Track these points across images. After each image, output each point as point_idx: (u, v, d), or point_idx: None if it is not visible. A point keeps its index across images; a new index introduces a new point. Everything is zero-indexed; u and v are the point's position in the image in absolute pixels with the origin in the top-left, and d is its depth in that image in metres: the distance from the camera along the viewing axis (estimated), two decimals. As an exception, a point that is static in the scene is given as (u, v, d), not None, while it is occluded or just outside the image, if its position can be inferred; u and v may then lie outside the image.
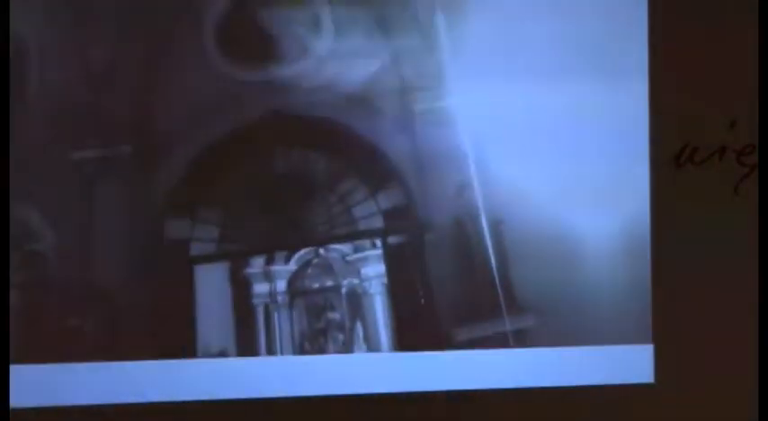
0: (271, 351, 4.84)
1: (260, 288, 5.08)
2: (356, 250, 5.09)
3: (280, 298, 5.06)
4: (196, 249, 4.47)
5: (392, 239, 4.40)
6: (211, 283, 4.72)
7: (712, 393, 3.78)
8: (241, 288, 5.11)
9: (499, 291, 3.88)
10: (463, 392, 4.04)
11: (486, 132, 3.91)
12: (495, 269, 3.90)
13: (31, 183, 4.18)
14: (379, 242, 4.54)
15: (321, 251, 5.15)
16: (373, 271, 4.99)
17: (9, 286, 3.60)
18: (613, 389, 3.88)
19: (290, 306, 5.09)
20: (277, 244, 4.62)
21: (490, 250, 3.88)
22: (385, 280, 4.59)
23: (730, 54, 3.74)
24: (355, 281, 5.08)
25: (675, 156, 3.73)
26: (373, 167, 4.36)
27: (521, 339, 3.89)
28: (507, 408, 3.90)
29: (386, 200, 4.38)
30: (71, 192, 4.23)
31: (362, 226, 4.46)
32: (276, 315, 4.99)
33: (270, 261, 5.19)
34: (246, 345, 4.85)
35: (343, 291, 5.09)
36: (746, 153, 3.69)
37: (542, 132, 3.93)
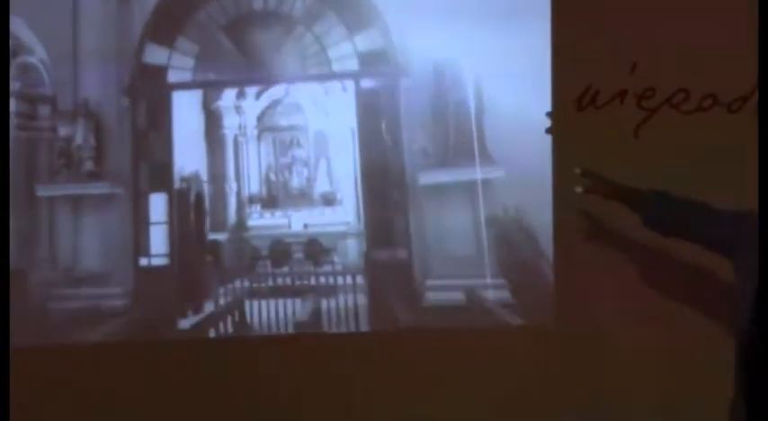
0: (238, 178, 5.01)
1: (230, 120, 5.21)
2: (327, 92, 5.19)
3: (249, 131, 5.20)
4: (173, 76, 4.58)
5: (366, 83, 4.50)
6: (186, 110, 4.83)
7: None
8: (213, 118, 5.23)
9: (474, 139, 4.01)
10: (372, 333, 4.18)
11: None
12: (473, 118, 4.01)
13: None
14: (352, 84, 4.65)
15: (292, 90, 5.25)
16: (343, 113, 5.11)
17: (9, 286, 3.71)
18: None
19: (258, 139, 5.23)
20: (249, 79, 4.72)
21: (471, 99, 4.00)
22: (354, 122, 4.71)
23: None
24: (323, 121, 5.20)
25: (578, 98, 3.66)
26: (353, 7, 4.35)
27: (488, 190, 4.06)
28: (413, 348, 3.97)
29: (364, 42, 4.41)
30: (58, 7, 4.29)
31: (336, 67, 4.55)
32: (245, 147, 5.14)
33: (241, 96, 5.29)
34: (216, 172, 5.00)
35: (311, 130, 5.22)
36: (647, 97, 3.65)
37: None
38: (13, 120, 4.22)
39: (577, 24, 3.70)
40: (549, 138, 3.58)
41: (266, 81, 4.93)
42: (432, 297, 4.17)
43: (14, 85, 4.24)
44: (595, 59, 3.67)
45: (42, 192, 4.28)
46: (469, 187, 4.07)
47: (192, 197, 4.53)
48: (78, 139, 4.20)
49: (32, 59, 4.30)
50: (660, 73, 3.65)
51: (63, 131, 4.21)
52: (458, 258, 4.02)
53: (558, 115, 3.55)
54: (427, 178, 4.16)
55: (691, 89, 3.64)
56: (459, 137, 4.04)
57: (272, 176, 5.10)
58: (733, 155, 3.43)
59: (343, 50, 4.50)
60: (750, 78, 3.33)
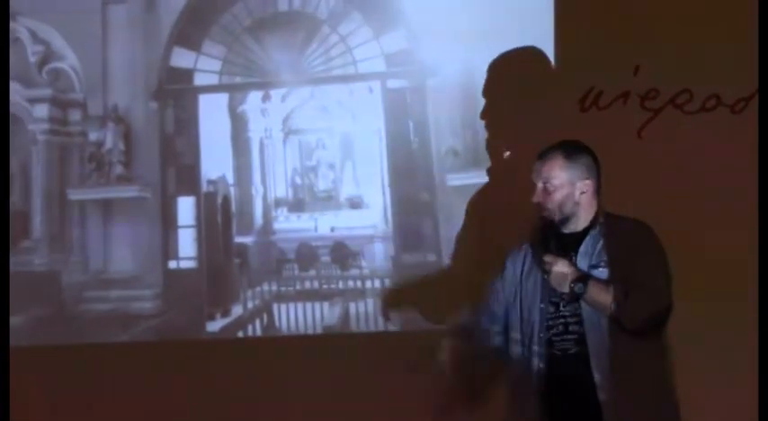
0: (264, 181, 4.99)
1: (256, 123, 5.18)
2: (353, 93, 5.16)
3: (274, 134, 5.17)
4: (200, 79, 4.58)
5: (392, 84, 4.47)
6: (212, 114, 4.82)
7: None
8: (239, 121, 5.21)
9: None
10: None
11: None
12: (503, 117, 3.97)
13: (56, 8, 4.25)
14: (378, 85, 4.62)
15: (317, 92, 5.22)
16: (369, 114, 5.08)
17: (9, 285, 3.74)
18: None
19: (284, 142, 5.20)
20: (275, 81, 4.70)
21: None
22: (381, 124, 4.67)
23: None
24: (349, 123, 5.17)
25: (580, 99, 3.68)
26: (379, 7, 4.34)
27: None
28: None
29: (390, 42, 4.37)
30: (87, 15, 4.32)
31: (362, 68, 4.51)
32: (271, 150, 5.11)
33: (266, 98, 5.27)
34: (242, 175, 4.98)
35: (337, 132, 5.18)
36: (650, 98, 3.66)
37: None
38: (45, 126, 4.30)
39: (580, 26, 3.69)
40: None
41: (291, 83, 4.88)
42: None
43: (46, 92, 4.33)
44: (598, 61, 3.66)
45: (74, 195, 4.33)
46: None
47: (219, 200, 4.53)
48: (108, 144, 4.26)
49: (64, 65, 4.37)
50: (663, 74, 3.63)
51: (93, 136, 4.28)
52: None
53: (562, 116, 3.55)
54: (456, 179, 4.12)
55: (694, 90, 3.61)
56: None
57: (298, 179, 5.09)
58: (736, 155, 3.39)
59: (369, 51, 4.46)
60: (754, 79, 3.31)
